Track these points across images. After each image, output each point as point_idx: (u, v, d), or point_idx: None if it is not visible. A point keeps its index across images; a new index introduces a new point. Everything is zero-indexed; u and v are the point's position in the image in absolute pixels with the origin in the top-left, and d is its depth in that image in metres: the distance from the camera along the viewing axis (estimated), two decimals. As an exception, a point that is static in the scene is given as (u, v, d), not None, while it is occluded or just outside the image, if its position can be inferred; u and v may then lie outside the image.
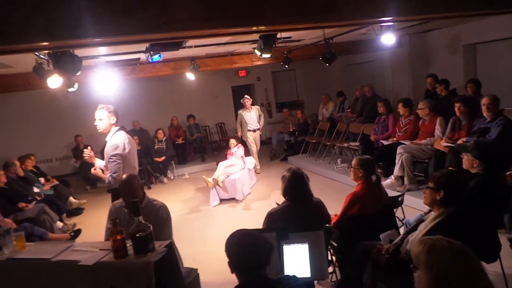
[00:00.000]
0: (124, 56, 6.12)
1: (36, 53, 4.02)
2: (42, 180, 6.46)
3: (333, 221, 3.16)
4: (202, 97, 10.48)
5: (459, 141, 4.37)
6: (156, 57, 5.38)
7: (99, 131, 3.68)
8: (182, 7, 2.67)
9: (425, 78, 6.61)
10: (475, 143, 2.90)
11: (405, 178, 5.05)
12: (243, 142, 7.56)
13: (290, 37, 6.24)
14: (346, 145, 6.82)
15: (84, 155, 3.74)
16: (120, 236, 2.04)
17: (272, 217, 2.94)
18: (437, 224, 2.33)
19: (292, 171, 2.95)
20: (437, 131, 4.99)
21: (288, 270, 2.38)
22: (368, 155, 5.85)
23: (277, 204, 3.20)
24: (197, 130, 9.48)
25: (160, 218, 2.93)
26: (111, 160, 3.52)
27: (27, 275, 2.18)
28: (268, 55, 3.81)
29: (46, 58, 4.18)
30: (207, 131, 10.45)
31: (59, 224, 5.43)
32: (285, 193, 2.93)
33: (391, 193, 4.85)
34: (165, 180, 8.20)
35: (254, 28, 3.02)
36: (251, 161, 7.23)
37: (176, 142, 8.92)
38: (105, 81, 6.46)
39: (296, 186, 2.89)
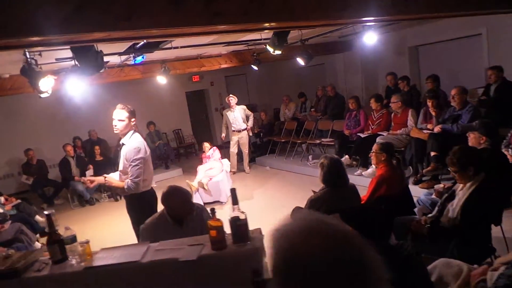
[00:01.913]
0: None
1: (27, 51, 3.70)
2: (1, 199, 5.78)
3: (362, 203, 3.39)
4: (157, 104, 10.17)
5: (436, 128, 4.92)
6: (139, 59, 5.19)
7: (116, 132, 3.49)
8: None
9: (385, 76, 7.25)
10: (480, 122, 3.35)
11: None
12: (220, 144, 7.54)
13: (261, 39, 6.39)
14: (318, 141, 7.19)
15: (87, 184, 3.52)
16: (215, 230, 2.02)
17: (315, 204, 3.08)
18: (474, 190, 2.67)
19: (329, 159, 3.12)
20: (410, 121, 5.55)
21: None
22: (345, 149, 6.33)
23: (314, 191, 3.35)
24: (158, 137, 9.19)
25: (206, 218, 2.89)
26: (134, 163, 3.34)
27: (111, 281, 2.05)
28: (279, 52, 3.93)
29: (31, 57, 3.84)
30: (166, 138, 10.17)
31: (37, 244, 4.93)
32: (324, 179, 3.09)
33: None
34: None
35: (286, 23, 3.17)
36: (227, 163, 7.25)
37: (138, 151, 8.54)
38: (68, 87, 5.99)
39: (335, 172, 3.07)
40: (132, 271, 2.03)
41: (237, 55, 7.72)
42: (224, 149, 8.37)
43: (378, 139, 5.59)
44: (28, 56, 3.76)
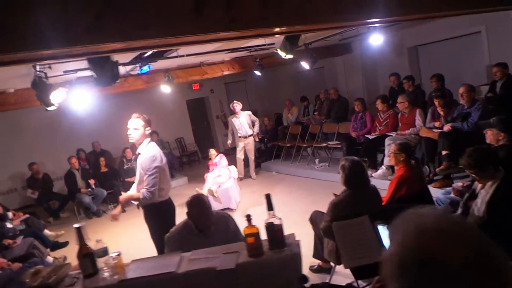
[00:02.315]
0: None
1: (38, 65, 3.67)
2: (10, 214, 5.71)
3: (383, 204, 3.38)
4: (159, 113, 10.12)
5: (446, 127, 4.94)
6: (145, 68, 5.18)
7: (131, 141, 3.46)
8: (244, 5, 2.72)
9: (388, 77, 7.28)
10: (498, 119, 3.36)
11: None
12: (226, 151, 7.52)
13: (265, 44, 6.40)
14: (324, 145, 7.18)
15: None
16: (253, 237, 1.99)
17: (338, 206, 3.06)
18: (497, 188, 2.67)
19: (351, 161, 3.10)
20: (418, 121, 5.56)
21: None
22: (352, 151, 6.33)
23: (335, 194, 3.33)
24: (162, 146, 9.12)
25: (230, 225, 2.85)
26: (150, 173, 3.32)
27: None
28: (291, 56, 3.93)
29: (41, 70, 3.82)
30: (169, 147, 10.13)
31: (49, 258, 4.86)
32: (346, 182, 3.07)
33: (384, 182, 5.28)
34: (110, 208, 7.73)
35: (299, 27, 3.17)
36: (234, 169, 7.22)
37: (142, 161, 8.49)
38: (73, 99, 5.96)
39: (357, 174, 3.06)
40: (167, 282, 2.00)
41: (239, 61, 7.74)
42: (228, 155, 8.34)
43: (387, 140, 5.60)
44: (38, 69, 3.73)
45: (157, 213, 3.49)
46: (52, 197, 7.58)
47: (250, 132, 7.60)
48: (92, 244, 2.22)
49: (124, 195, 3.55)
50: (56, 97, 3.78)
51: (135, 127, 3.44)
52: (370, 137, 6.04)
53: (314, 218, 3.63)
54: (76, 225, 2.18)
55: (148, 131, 3.52)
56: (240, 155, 7.72)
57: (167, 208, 3.58)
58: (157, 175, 3.33)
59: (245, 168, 7.99)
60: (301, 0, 3.02)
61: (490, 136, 3.33)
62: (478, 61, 7.19)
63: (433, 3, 4.05)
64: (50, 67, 3.88)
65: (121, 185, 7.56)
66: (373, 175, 5.79)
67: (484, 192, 2.78)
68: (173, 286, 1.99)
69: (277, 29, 3.00)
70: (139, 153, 3.49)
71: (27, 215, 5.88)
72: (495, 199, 2.65)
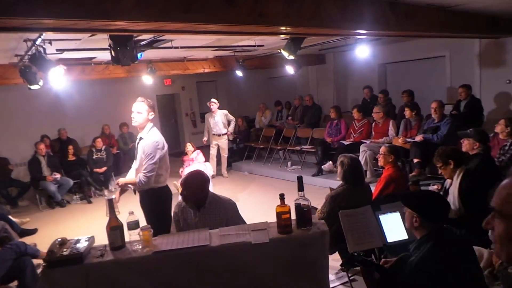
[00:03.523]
0: (80, 54, 5.59)
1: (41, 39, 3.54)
2: (-29, 197, 5.32)
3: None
4: (127, 105, 9.85)
5: (417, 138, 5.39)
6: (138, 55, 5.10)
7: (134, 124, 3.44)
8: (269, 2, 2.90)
9: (357, 90, 7.75)
10: (475, 130, 3.78)
11: (368, 172, 5.89)
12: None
13: (254, 45, 6.57)
14: (298, 148, 7.46)
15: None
16: (288, 214, 2.14)
17: (336, 199, 3.28)
18: (462, 179, 3.13)
19: (349, 158, 3.35)
20: (391, 131, 6.01)
21: (389, 235, 2.77)
22: (327, 155, 6.66)
23: (332, 188, 3.55)
24: (131, 139, 8.92)
25: (231, 211, 2.93)
26: (150, 157, 3.32)
27: (179, 265, 2.08)
28: (293, 57, 4.13)
29: (41, 45, 3.68)
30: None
31: (20, 244, 4.59)
32: (345, 177, 3.31)
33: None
34: (105, 192, 7.51)
35: (314, 29, 3.40)
36: (210, 166, 7.26)
37: (110, 152, 8.25)
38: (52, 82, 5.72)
39: (354, 170, 3.31)
40: (202, 255, 2.07)
41: (221, 60, 7.84)
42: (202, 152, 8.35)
43: (362, 147, 5.98)
44: (38, 43, 3.60)
45: (154, 199, 3.49)
46: (10, 184, 7.13)
47: (224, 131, 7.70)
48: (122, 217, 2.24)
49: (122, 180, 3.51)
50: (55, 74, 3.65)
51: (139, 110, 3.44)
52: (345, 143, 6.39)
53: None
54: (107, 197, 2.19)
55: (151, 116, 3.52)
56: (213, 152, 7.78)
57: (164, 194, 3.59)
58: (156, 160, 3.33)
59: (217, 166, 8.06)
60: (318, 5, 3.27)
61: (467, 145, 3.74)
62: (440, 82, 7.89)
63: (420, 23, 4.49)
64: (50, 43, 3.76)
65: (88, 175, 7.30)
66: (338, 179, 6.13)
67: (453, 187, 3.17)
68: (207, 259, 2.06)
69: (295, 29, 3.21)
70: (141, 138, 3.48)
71: (-12, 200, 5.50)
72: (463, 187, 3.05)
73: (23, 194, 7.12)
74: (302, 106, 8.56)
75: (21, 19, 2.02)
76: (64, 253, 2.00)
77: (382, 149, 3.79)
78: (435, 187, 3.96)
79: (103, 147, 7.66)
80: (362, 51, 5.42)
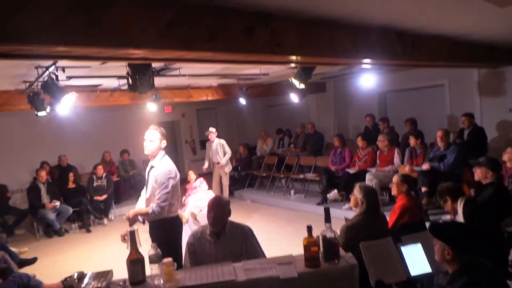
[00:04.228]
0: (87, 81, 5.60)
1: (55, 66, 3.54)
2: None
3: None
4: (129, 132, 9.84)
5: (424, 166, 5.39)
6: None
7: (146, 153, 3.39)
8: (285, 32, 2.95)
9: (358, 118, 7.81)
10: (487, 158, 3.78)
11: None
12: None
13: (260, 74, 6.62)
14: (302, 176, 7.42)
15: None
16: (316, 247, 2.08)
17: (352, 229, 3.21)
18: (464, 206, 3.21)
19: (365, 187, 3.32)
20: (396, 159, 6.01)
21: (412, 268, 2.69)
22: (332, 184, 6.61)
23: (347, 218, 3.48)
24: (132, 166, 8.85)
25: (250, 238, 2.89)
26: (163, 186, 3.26)
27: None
28: (303, 86, 4.16)
29: (54, 72, 3.68)
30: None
31: (19, 276, 4.41)
32: (363, 205, 3.26)
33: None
34: (105, 221, 7.35)
35: (328, 59, 3.45)
36: (212, 195, 7.16)
37: (110, 180, 8.14)
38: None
39: (373, 199, 3.27)
40: (227, 290, 1.99)
41: (224, 88, 7.90)
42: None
43: (367, 175, 5.96)
44: (51, 70, 3.60)
45: (165, 229, 3.39)
46: (7, 211, 6.95)
47: (219, 160, 7.65)
48: (143, 250, 2.16)
49: (132, 211, 3.40)
50: (67, 101, 3.63)
51: (152, 139, 3.40)
52: (350, 171, 6.36)
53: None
54: (129, 229, 2.11)
55: (163, 144, 3.48)
56: (215, 180, 7.72)
57: (176, 224, 3.51)
58: (170, 190, 3.27)
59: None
60: (331, 36, 3.33)
61: (479, 173, 3.73)
62: (440, 110, 7.99)
63: (426, 53, 4.58)
64: (63, 70, 3.76)
65: (88, 203, 7.15)
66: (353, 208, 6.06)
67: (459, 219, 3.17)
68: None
69: (310, 58, 3.25)
70: (153, 166, 3.43)
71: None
72: (466, 218, 3.05)
73: (20, 222, 6.94)
74: (304, 134, 8.59)
75: (46, 46, 2.01)
76: (83, 289, 1.91)
77: (395, 179, 3.76)
78: (448, 217, 3.91)
79: (104, 174, 7.56)
80: (367, 80, 5.51)
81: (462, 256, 1.90)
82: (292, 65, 4.03)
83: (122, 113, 9.44)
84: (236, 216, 2.96)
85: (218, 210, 2.67)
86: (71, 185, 7.29)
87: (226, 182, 7.83)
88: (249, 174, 8.69)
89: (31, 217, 6.90)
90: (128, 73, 2.94)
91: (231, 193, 8.53)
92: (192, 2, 2.30)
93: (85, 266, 5.24)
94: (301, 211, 7.02)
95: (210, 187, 7.14)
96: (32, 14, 1.85)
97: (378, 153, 6.34)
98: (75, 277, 2.01)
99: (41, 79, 4.15)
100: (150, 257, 2.09)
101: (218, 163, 7.63)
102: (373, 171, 6.03)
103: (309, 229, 2.10)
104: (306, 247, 2.07)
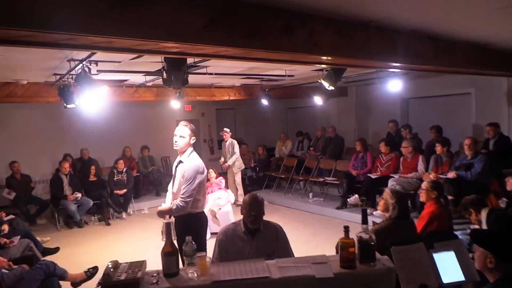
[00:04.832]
0: (114, 76, 5.68)
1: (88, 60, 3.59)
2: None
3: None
4: (149, 128, 9.96)
5: (450, 174, 5.29)
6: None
7: (176, 148, 3.40)
8: (322, 32, 2.93)
9: (387, 123, 7.71)
10: (520, 168, 3.71)
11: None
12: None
13: (285, 75, 6.59)
14: (322, 179, 7.36)
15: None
16: (353, 248, 2.05)
17: (380, 233, 3.15)
18: (487, 218, 3.17)
19: (397, 192, 3.27)
20: (421, 166, 5.91)
21: (444, 276, 2.63)
22: (353, 188, 6.54)
23: (375, 222, 3.44)
24: (151, 162, 8.93)
25: (281, 237, 2.88)
26: (190, 182, 3.26)
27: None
28: (333, 87, 4.13)
29: (87, 65, 3.74)
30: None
31: (43, 264, 4.49)
32: (394, 209, 3.21)
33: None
34: (124, 215, 7.43)
35: (362, 61, 3.41)
36: (231, 194, 7.17)
37: (130, 175, 8.22)
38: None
39: (404, 205, 3.22)
40: (261, 286, 1.97)
41: (246, 88, 7.91)
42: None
43: (390, 181, 5.87)
44: (85, 63, 3.66)
45: (191, 224, 3.40)
46: (30, 201, 7.09)
47: (228, 159, 7.75)
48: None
49: (160, 208, 3.41)
50: (99, 94, 3.68)
51: (182, 135, 3.42)
52: (372, 176, 6.28)
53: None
54: (165, 221, 2.12)
55: (193, 140, 3.49)
56: (231, 179, 7.79)
57: (202, 220, 3.51)
58: (196, 186, 3.28)
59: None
60: (367, 38, 3.30)
61: (511, 184, 3.65)
62: (465, 119, 7.83)
63: (466, 61, 4.50)
64: (96, 64, 3.81)
65: (108, 197, 7.23)
66: (374, 213, 5.99)
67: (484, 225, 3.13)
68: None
69: (345, 60, 3.22)
70: (181, 161, 3.44)
71: (11, 216, 5.43)
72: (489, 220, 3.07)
73: (42, 212, 7.08)
74: (324, 137, 8.53)
75: (89, 36, 2.03)
76: (120, 277, 1.91)
77: (425, 185, 3.69)
78: (477, 226, 3.82)
79: (125, 169, 7.64)
80: (394, 85, 5.43)
81: (505, 264, 1.85)
82: (323, 66, 4.00)
83: (143, 110, 9.55)
84: None
85: (259, 207, 2.67)
86: (92, 178, 7.39)
87: (238, 179, 7.88)
88: (267, 175, 8.67)
89: (52, 208, 7.02)
90: (163, 68, 2.96)
91: (248, 193, 8.52)
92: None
93: (105, 258, 5.23)
94: (319, 214, 6.96)
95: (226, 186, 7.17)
96: (81, 5, 1.88)
97: (401, 159, 6.25)
98: (110, 266, 2.01)
99: (73, 71, 4.24)
100: (184, 250, 2.09)
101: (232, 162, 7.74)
102: (396, 177, 5.94)
103: (346, 229, 2.07)
104: (343, 248, 2.04)
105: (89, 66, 3.71)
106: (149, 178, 8.57)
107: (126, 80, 6.15)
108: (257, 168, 8.88)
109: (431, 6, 2.79)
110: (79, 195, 6.82)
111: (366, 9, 2.79)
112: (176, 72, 2.83)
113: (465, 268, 2.69)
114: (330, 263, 2.11)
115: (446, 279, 2.65)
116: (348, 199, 6.49)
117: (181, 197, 3.22)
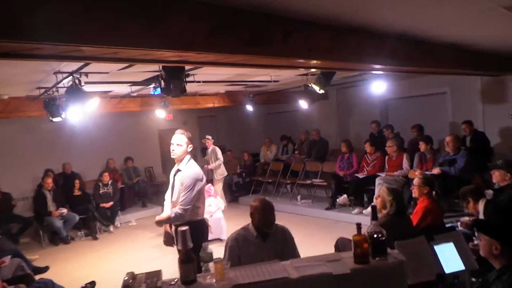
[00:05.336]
0: (100, 87, 5.60)
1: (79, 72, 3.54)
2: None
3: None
4: (132, 139, 9.82)
5: (435, 171, 5.49)
6: (159, 89, 5.14)
7: (173, 157, 3.41)
8: (318, 38, 3.04)
9: (369, 124, 7.92)
10: (506, 161, 3.89)
11: (385, 205, 5.92)
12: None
13: (270, 80, 6.66)
14: (309, 181, 7.46)
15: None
16: (367, 244, 2.12)
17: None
18: (484, 209, 3.29)
19: (394, 189, 3.39)
20: (405, 164, 6.11)
21: (446, 266, 2.74)
22: (341, 189, 6.67)
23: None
24: (136, 173, 8.80)
25: (289, 238, 2.94)
26: (189, 190, 3.27)
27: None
28: (323, 91, 4.23)
29: (78, 77, 3.68)
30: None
31: (35, 284, 4.34)
32: (393, 206, 3.32)
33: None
34: (112, 228, 7.27)
35: (354, 64, 3.53)
36: (221, 200, 7.17)
37: (114, 187, 8.07)
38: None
39: (401, 201, 3.34)
40: (281, 287, 2.01)
41: (230, 95, 7.95)
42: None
43: (377, 180, 6.04)
44: (75, 75, 3.61)
45: (193, 232, 3.38)
46: (12, 220, 6.83)
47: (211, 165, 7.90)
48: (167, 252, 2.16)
49: (158, 218, 3.40)
50: (91, 105, 3.63)
51: (179, 143, 3.43)
52: (360, 176, 6.44)
53: (341, 245, 3.77)
54: (181, 228, 2.13)
55: (190, 148, 3.51)
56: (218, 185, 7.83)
57: (202, 227, 3.51)
58: (195, 193, 3.29)
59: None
60: (358, 42, 3.42)
61: (498, 176, 3.83)
62: (442, 117, 8.15)
63: (434, 60, 4.71)
64: (86, 75, 3.76)
65: (94, 210, 7.07)
66: (363, 212, 6.14)
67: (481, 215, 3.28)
68: (286, 292, 2.00)
69: (337, 63, 3.33)
70: (179, 170, 3.44)
71: (-4, 236, 5.23)
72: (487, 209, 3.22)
73: (25, 230, 6.82)
74: (308, 140, 8.66)
75: (102, 47, 2.03)
76: None
77: (416, 181, 3.83)
78: (467, 218, 3.99)
79: (110, 182, 7.50)
80: (377, 86, 5.61)
81: (510, 250, 1.96)
82: (312, 70, 4.10)
83: (124, 121, 9.41)
84: (244, 221, 2.98)
85: (272, 211, 2.71)
86: (77, 192, 7.22)
87: (217, 188, 7.86)
88: (254, 180, 8.71)
89: (36, 225, 6.79)
90: (161, 76, 2.97)
91: (235, 199, 8.56)
92: (235, 7, 2.36)
93: (97, 273, 5.18)
94: (308, 216, 7.05)
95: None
96: (94, 15, 1.88)
97: (386, 158, 6.44)
98: (127, 278, 2.00)
99: (61, 84, 4.16)
100: (201, 256, 2.10)
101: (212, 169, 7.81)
102: (382, 175, 6.11)
103: (359, 226, 2.14)
104: (357, 244, 2.11)
105: (79, 78, 3.65)
106: (135, 189, 8.44)
107: (110, 91, 6.06)
108: (243, 174, 8.90)
109: (416, 12, 2.93)
110: (65, 210, 6.64)
111: (359, 15, 2.91)
112: (175, 80, 2.84)
113: (465, 258, 2.83)
114: (343, 260, 2.18)
115: (447, 269, 2.78)
116: (337, 200, 6.62)
117: (180, 205, 3.22)
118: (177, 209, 3.21)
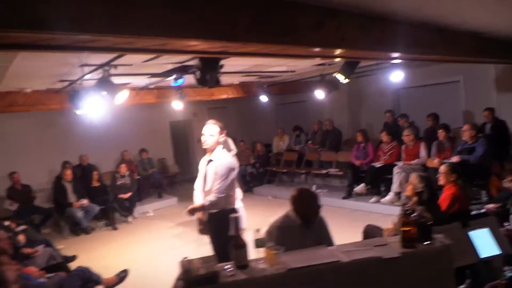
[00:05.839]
0: (119, 79, 5.63)
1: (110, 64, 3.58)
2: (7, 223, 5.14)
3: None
4: (144, 131, 9.87)
5: (454, 159, 5.54)
6: (180, 81, 5.18)
7: (205, 147, 3.47)
8: (348, 27, 3.07)
9: (384, 113, 7.95)
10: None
11: (403, 194, 5.98)
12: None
13: (287, 71, 6.68)
14: (325, 171, 7.53)
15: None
16: (415, 228, 2.18)
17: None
18: None
19: (425, 177, 3.45)
20: (423, 153, 6.15)
21: (481, 251, 2.81)
22: (357, 178, 6.72)
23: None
24: (151, 165, 8.88)
25: (325, 225, 3.00)
26: (224, 178, 3.35)
27: (313, 282, 2.07)
28: (348, 80, 4.25)
29: (108, 70, 3.72)
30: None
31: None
32: (423, 194, 3.38)
33: (391, 208, 5.73)
34: (130, 219, 7.38)
35: (380, 54, 3.55)
36: (239, 190, 7.22)
37: (131, 178, 8.15)
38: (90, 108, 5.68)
39: (432, 188, 3.41)
40: (332, 271, 2.08)
41: (244, 86, 7.97)
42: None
43: (395, 169, 6.09)
44: (106, 68, 3.65)
45: (226, 220, 3.47)
46: (33, 211, 6.93)
47: None
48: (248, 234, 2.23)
49: (191, 206, 3.47)
50: (121, 97, 3.68)
51: (211, 133, 3.48)
52: (376, 165, 6.49)
53: (370, 232, 3.85)
54: (233, 215, 2.19)
55: (222, 138, 3.56)
56: None
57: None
58: (229, 182, 3.37)
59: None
60: (384, 30, 3.45)
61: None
62: (455, 106, 8.16)
63: (452, 49, 4.73)
64: (115, 67, 3.80)
65: (114, 201, 7.17)
66: (381, 200, 6.21)
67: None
68: (338, 275, 2.07)
69: (364, 52, 3.36)
70: (211, 160, 3.50)
71: (23, 226, 5.32)
72: None
73: (46, 221, 6.93)
74: (321, 131, 8.70)
75: (154, 38, 2.07)
76: (200, 272, 1.98)
77: (443, 169, 3.88)
78: (492, 205, 4.05)
79: (127, 173, 7.58)
80: (396, 75, 5.64)
81: None
82: (337, 60, 4.12)
83: (138, 113, 9.44)
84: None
85: (317, 199, 2.77)
86: (95, 183, 7.30)
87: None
88: (268, 170, 8.78)
89: (57, 216, 6.90)
90: (198, 67, 3.01)
91: (249, 189, 8.64)
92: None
93: (122, 262, 5.27)
94: (325, 205, 7.07)
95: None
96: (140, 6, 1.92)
97: (403, 147, 6.48)
98: (185, 262, 2.07)
99: (88, 76, 4.21)
100: (255, 242, 2.17)
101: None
102: (400, 164, 6.16)
103: (406, 211, 2.20)
104: (405, 228, 2.17)
105: (109, 72, 3.69)
106: (150, 180, 8.52)
107: (128, 84, 6.09)
108: (257, 164, 8.96)
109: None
110: (86, 201, 6.73)
111: (385, 3, 2.93)
112: (211, 71, 2.89)
113: (500, 242, 2.90)
114: (391, 244, 2.24)
115: (483, 254, 2.85)
116: (354, 189, 6.68)
117: (215, 194, 3.29)
118: (212, 197, 3.29)
